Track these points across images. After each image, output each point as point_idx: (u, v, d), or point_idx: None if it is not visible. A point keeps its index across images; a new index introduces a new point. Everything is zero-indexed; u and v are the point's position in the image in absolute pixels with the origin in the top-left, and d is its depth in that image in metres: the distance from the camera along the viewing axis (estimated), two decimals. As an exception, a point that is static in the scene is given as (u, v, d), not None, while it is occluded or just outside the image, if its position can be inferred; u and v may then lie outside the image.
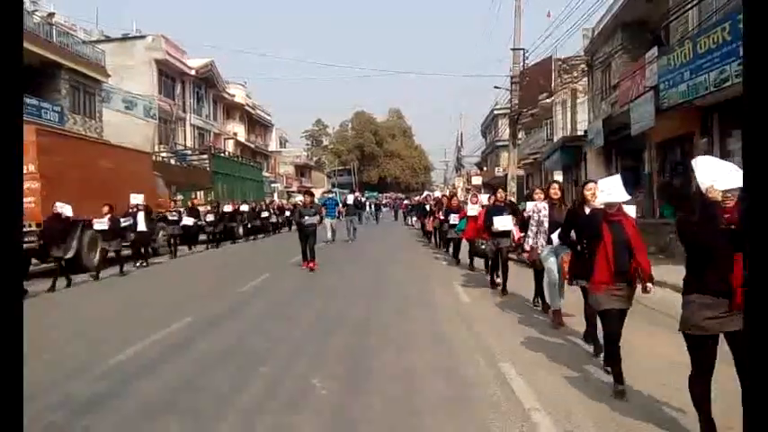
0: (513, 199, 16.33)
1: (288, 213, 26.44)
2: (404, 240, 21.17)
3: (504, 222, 8.15)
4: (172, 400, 4.22)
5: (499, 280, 8.75)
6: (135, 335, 6.19)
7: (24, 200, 11.13)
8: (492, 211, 8.50)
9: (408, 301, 8.25)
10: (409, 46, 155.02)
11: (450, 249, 13.69)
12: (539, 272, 7.09)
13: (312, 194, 11.92)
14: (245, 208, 21.74)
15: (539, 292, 7.29)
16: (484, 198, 16.77)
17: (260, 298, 8.72)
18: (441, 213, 14.32)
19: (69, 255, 11.65)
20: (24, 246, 10.97)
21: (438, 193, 22.88)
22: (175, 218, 16.47)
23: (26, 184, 11.18)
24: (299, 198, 31.71)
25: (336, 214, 18.77)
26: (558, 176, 25.54)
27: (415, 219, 27.37)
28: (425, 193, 27.48)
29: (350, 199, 20.45)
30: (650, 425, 3.56)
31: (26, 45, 20.07)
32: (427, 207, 18.39)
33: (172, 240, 16.26)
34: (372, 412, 3.93)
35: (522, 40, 20.55)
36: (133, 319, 7.46)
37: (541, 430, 3.53)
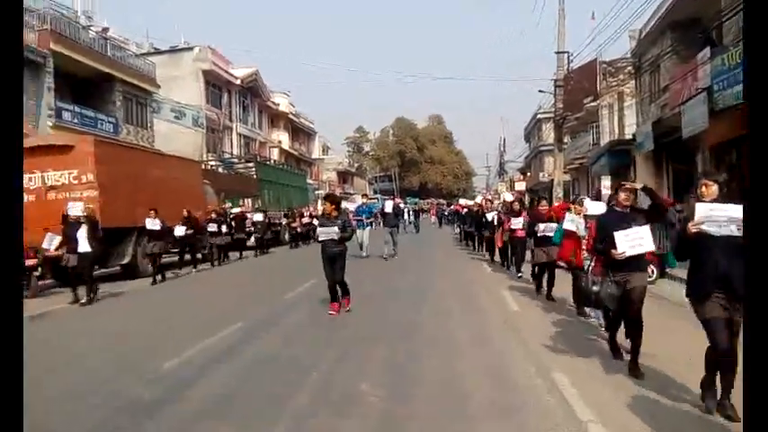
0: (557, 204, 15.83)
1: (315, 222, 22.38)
2: (455, 257, 16.74)
3: (641, 243, 4.65)
4: (224, 405, 4.32)
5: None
6: (187, 339, 6.37)
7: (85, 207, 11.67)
8: (609, 221, 4.94)
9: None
10: (450, 51, 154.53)
11: (522, 268, 11.01)
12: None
13: (336, 200, 7.98)
14: (258, 217, 19.37)
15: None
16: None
17: (305, 304, 8.83)
18: (511, 223, 11.05)
19: (125, 261, 12.12)
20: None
21: (479, 199, 20.51)
22: (213, 228, 15.40)
23: (84, 193, 11.71)
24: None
25: (368, 224, 15.82)
26: (606, 181, 24.91)
27: (456, 227, 26.76)
28: (478, 198, 22.50)
29: (388, 206, 16.43)
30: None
31: (82, 59, 21.07)
32: (490, 216, 13.76)
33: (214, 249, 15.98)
34: (421, 419, 3.92)
35: (566, 42, 20.15)
36: (185, 324, 7.68)
37: (598, 443, 3.45)
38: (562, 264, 8.13)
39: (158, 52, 32.66)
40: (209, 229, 15.23)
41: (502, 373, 4.95)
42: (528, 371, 5.00)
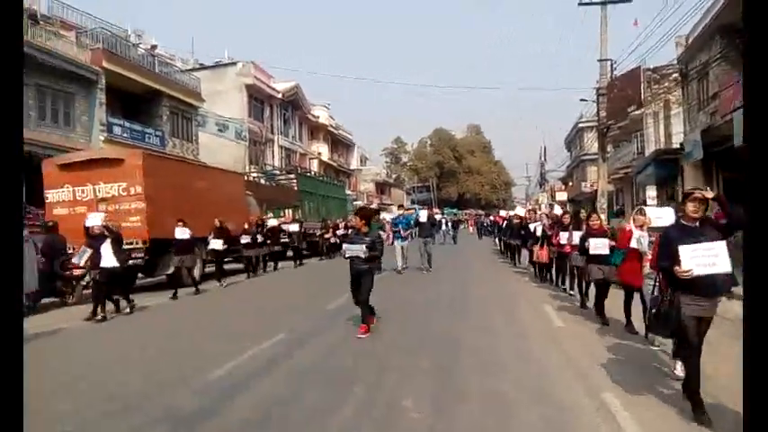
0: (604, 216, 15.01)
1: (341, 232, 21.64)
2: (495, 270, 15.99)
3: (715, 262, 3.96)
4: (268, 417, 4.34)
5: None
6: (231, 350, 6.46)
7: (131, 219, 12.08)
8: (674, 235, 4.21)
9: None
10: (489, 60, 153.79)
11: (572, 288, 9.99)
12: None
13: (367, 215, 7.54)
14: (293, 228, 19.15)
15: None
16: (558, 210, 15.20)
17: (347, 315, 8.85)
18: (559, 237, 10.09)
19: (170, 271, 12.45)
20: (131, 262, 11.89)
21: (523, 211, 18.95)
22: (247, 240, 14.93)
23: (133, 205, 12.12)
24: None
25: (405, 237, 15.10)
26: (652, 191, 24.24)
27: (495, 238, 25.81)
28: (519, 209, 20.79)
29: (423, 216, 15.72)
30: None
31: (132, 75, 21.90)
32: (533, 227, 12.91)
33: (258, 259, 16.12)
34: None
35: (609, 50, 19.76)
36: (228, 333, 7.80)
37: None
38: (616, 281, 7.47)
39: (203, 67, 33.69)
40: (242, 241, 14.82)
41: (547, 391, 4.82)
42: (575, 390, 4.86)
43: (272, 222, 17.91)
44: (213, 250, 13.50)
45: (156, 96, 24.01)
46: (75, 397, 4.96)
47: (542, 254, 11.81)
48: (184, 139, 26.09)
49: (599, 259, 7.66)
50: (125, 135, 21.42)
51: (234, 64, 33.98)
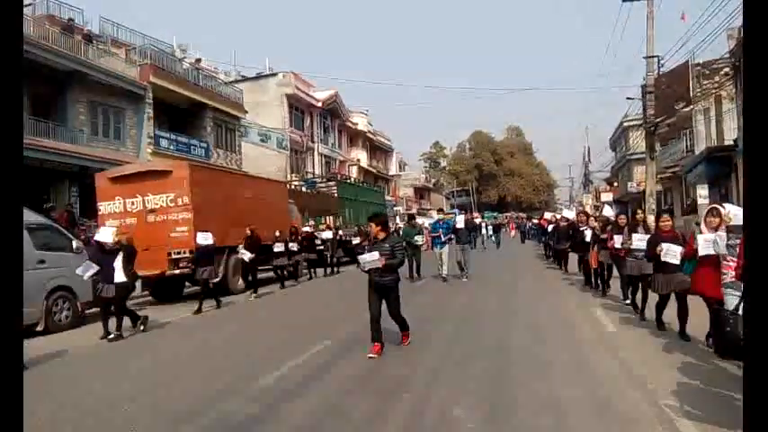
0: (652, 217, 13.43)
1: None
2: (543, 279, 14.60)
3: None
4: (319, 426, 4.33)
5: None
6: (279, 357, 6.50)
7: (179, 229, 12.39)
8: None
9: None
10: (531, 61, 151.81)
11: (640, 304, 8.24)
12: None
13: (382, 221, 6.86)
14: (327, 235, 18.59)
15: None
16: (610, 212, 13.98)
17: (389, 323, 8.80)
18: (614, 241, 9.08)
19: (216, 279, 12.68)
20: (178, 271, 12.19)
21: (571, 213, 17.47)
22: (279, 248, 14.47)
23: (180, 215, 12.43)
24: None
25: (446, 242, 14.41)
26: (704, 190, 23.34)
27: (541, 243, 24.46)
28: (566, 212, 19.03)
29: (460, 222, 14.77)
30: None
31: (178, 89, 22.57)
32: (587, 235, 11.32)
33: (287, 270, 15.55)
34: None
35: (655, 47, 19.12)
36: (275, 341, 7.87)
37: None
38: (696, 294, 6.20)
39: (245, 79, 34.46)
40: (275, 249, 14.33)
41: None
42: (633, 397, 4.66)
43: (306, 230, 17.40)
44: (242, 261, 13.08)
45: (201, 109, 24.66)
46: (132, 410, 5.07)
47: (593, 258, 10.79)
48: (228, 149, 26.69)
49: (669, 268, 6.56)
50: (171, 147, 22.07)
51: (274, 75, 34.62)
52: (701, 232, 5.76)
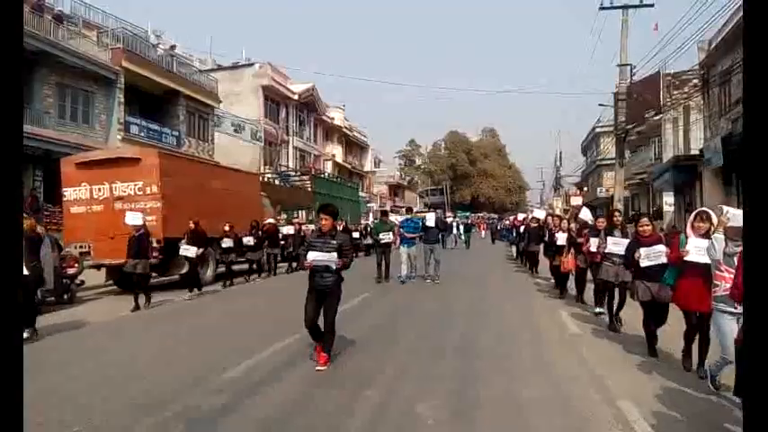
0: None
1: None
2: (513, 282, 13.98)
3: None
4: (284, 420, 4.31)
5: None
6: (246, 350, 6.45)
7: (147, 218, 12.16)
8: None
9: None
10: (507, 64, 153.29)
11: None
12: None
13: (334, 212, 5.96)
14: (289, 230, 17.74)
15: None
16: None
17: (363, 316, 8.82)
18: (590, 244, 8.58)
19: (184, 270, 12.49)
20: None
21: (542, 213, 16.63)
22: (227, 244, 13.37)
23: (149, 204, 12.19)
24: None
25: (414, 241, 13.69)
26: (669, 197, 23.99)
27: (511, 245, 24.11)
28: (537, 212, 17.97)
29: (430, 219, 13.79)
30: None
31: (151, 75, 22.11)
32: (560, 239, 10.72)
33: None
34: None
35: (628, 55, 19.54)
36: (243, 333, 7.79)
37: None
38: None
39: (220, 68, 33.96)
40: (222, 245, 13.27)
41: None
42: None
43: (269, 221, 16.16)
44: (185, 257, 11.94)
45: (174, 96, 24.23)
46: (91, 400, 4.97)
47: (568, 262, 10.15)
48: (200, 139, 26.29)
49: (650, 274, 5.96)
50: (142, 134, 21.64)
51: (251, 65, 34.22)
52: (686, 237, 5.29)
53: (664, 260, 5.76)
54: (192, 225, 11.92)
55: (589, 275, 9.60)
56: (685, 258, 5.20)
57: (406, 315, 9.21)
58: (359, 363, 6.00)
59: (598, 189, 41.37)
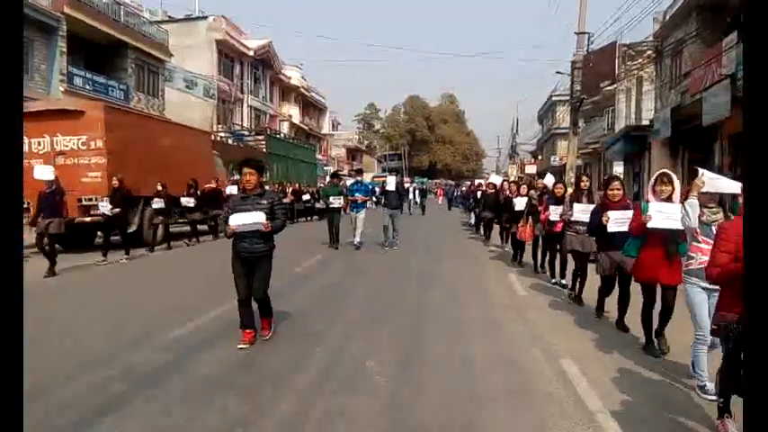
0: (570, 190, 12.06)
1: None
2: (468, 250, 13.54)
3: None
4: (231, 378, 4.27)
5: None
6: (194, 309, 6.34)
7: (91, 174, 11.68)
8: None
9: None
10: (464, 29, 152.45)
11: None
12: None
13: (258, 167, 5.19)
14: (233, 191, 14.69)
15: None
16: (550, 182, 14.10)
17: (313, 279, 8.79)
18: (549, 212, 8.26)
19: (131, 229, 12.10)
20: (89, 219, 11.51)
21: (498, 179, 15.76)
22: (159, 205, 12.28)
23: (93, 159, 11.69)
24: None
25: (362, 206, 12.92)
26: (619, 167, 24.68)
27: (463, 210, 23.89)
28: (494, 177, 17.36)
29: (390, 184, 13.14)
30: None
31: (95, 24, 20.86)
32: (520, 204, 10.19)
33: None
34: (429, 399, 3.85)
35: (587, 24, 19.68)
36: (192, 293, 7.65)
37: (609, 433, 3.38)
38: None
39: (172, 20, 32.39)
40: (153, 206, 12.32)
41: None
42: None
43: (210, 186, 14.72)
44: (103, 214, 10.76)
45: (121, 48, 22.99)
46: (38, 360, 4.78)
47: (526, 232, 9.71)
48: (150, 94, 25.19)
49: (615, 242, 5.54)
50: (87, 87, 20.52)
51: (204, 18, 32.74)
52: (647, 202, 4.81)
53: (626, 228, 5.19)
54: (115, 182, 10.82)
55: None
56: (648, 225, 4.62)
57: (355, 277, 9.24)
58: (307, 323, 5.99)
59: (552, 157, 42.18)
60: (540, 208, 9.09)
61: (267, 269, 5.16)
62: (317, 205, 21.81)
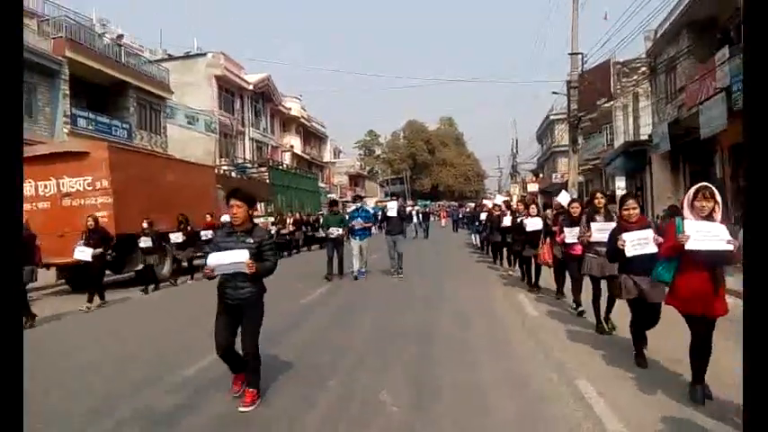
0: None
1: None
2: (476, 275, 12.65)
3: None
4: (244, 417, 4.24)
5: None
6: (204, 347, 6.31)
7: (99, 214, 11.75)
8: None
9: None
10: (461, 54, 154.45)
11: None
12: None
13: (247, 199, 4.46)
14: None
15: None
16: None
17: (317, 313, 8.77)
18: (564, 235, 7.56)
19: (137, 267, 12.16)
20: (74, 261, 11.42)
21: (499, 200, 15.26)
22: (147, 243, 11.72)
23: (99, 200, 11.79)
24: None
25: (364, 233, 12.41)
26: (621, 182, 24.71)
27: (472, 233, 22.31)
28: (497, 198, 16.54)
29: (392, 209, 12.58)
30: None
31: (98, 66, 21.26)
32: (532, 225, 9.58)
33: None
34: (443, 430, 3.82)
35: (580, 44, 19.99)
36: (200, 330, 7.63)
37: (629, 456, 3.34)
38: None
39: (171, 58, 32.96)
40: (140, 244, 11.70)
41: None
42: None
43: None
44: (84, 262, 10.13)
45: (123, 88, 23.38)
46: (45, 402, 4.78)
47: (545, 255, 8.98)
48: (152, 131, 25.51)
49: (638, 267, 4.88)
50: (90, 127, 20.81)
51: (203, 55, 33.33)
52: (682, 219, 4.19)
53: (653, 248, 4.69)
54: (90, 223, 10.12)
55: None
56: (687, 247, 3.99)
57: (361, 308, 9.20)
58: (316, 354, 5.97)
59: (553, 175, 42.31)
60: (554, 229, 8.41)
61: (256, 318, 4.45)
62: (318, 234, 21.04)
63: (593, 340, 6.23)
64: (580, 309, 7.55)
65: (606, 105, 24.59)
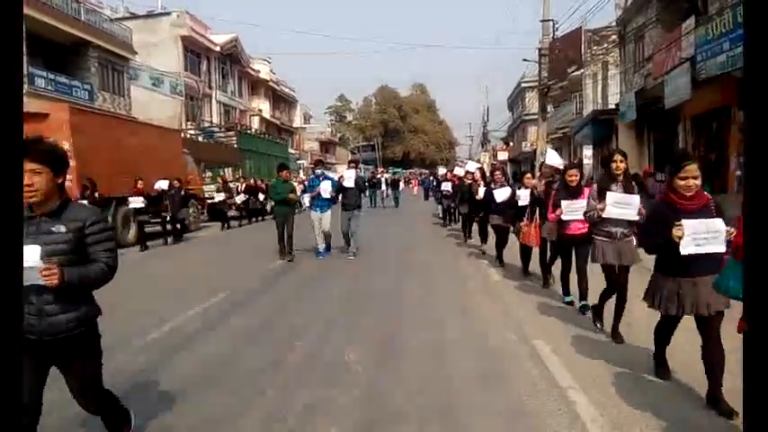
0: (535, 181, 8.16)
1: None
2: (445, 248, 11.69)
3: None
4: (211, 375, 4.31)
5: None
6: (172, 310, 6.34)
7: (59, 177, 11.43)
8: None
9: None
10: (433, 19, 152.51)
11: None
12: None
13: (42, 157, 2.43)
14: (162, 185, 13.11)
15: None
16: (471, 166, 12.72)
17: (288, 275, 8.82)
18: (560, 210, 5.73)
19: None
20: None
21: (472, 166, 13.02)
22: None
23: (60, 162, 11.43)
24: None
25: (328, 204, 10.35)
26: (588, 150, 25.14)
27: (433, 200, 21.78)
28: (471, 165, 14.05)
29: (348, 179, 10.34)
30: (700, 410, 3.51)
31: (55, 23, 20.34)
32: (523, 197, 7.69)
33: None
34: (406, 387, 3.96)
35: (551, 11, 19.98)
36: (169, 293, 7.62)
37: (580, 409, 3.51)
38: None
39: (134, 17, 31.69)
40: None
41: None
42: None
43: (161, 186, 13.17)
44: None
45: (83, 47, 22.47)
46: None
47: (531, 234, 7.21)
48: (115, 93, 24.70)
49: (702, 266, 3.39)
50: (49, 88, 20.01)
51: (168, 14, 32.11)
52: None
53: (722, 246, 3.27)
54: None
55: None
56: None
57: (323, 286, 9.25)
58: (286, 318, 6.05)
59: (523, 143, 42.69)
60: (545, 200, 6.60)
61: (89, 366, 2.80)
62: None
63: (555, 310, 6.42)
64: (583, 303, 5.87)
65: (576, 73, 24.76)
